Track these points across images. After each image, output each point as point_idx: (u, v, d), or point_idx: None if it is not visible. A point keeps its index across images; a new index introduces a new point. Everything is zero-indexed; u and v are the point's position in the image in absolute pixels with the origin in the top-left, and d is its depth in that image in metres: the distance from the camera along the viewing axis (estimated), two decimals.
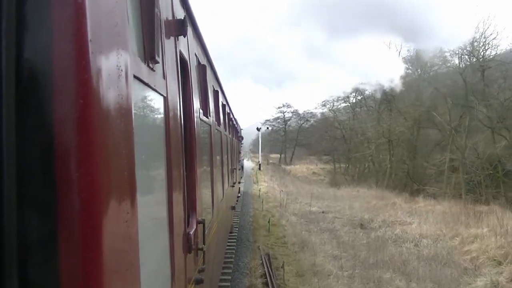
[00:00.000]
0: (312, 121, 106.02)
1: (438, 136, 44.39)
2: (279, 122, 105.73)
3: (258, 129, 59.53)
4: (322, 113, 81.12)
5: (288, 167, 68.42)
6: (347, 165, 63.93)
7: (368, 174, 57.28)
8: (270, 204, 24.29)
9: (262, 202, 22.57)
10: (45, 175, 1.13)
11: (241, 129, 23.93)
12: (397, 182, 45.24)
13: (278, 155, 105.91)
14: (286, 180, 47.76)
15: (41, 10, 1.14)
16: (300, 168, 70.01)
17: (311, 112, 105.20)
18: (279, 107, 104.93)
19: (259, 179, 41.30)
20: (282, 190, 31.67)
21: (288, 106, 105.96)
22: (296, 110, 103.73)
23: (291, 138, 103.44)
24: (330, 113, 71.11)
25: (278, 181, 40.59)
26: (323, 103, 73.69)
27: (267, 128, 70.57)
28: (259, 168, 58.88)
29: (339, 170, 67.34)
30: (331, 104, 71.42)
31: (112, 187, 1.28)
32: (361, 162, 58.73)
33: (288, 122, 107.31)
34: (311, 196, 29.92)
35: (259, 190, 28.97)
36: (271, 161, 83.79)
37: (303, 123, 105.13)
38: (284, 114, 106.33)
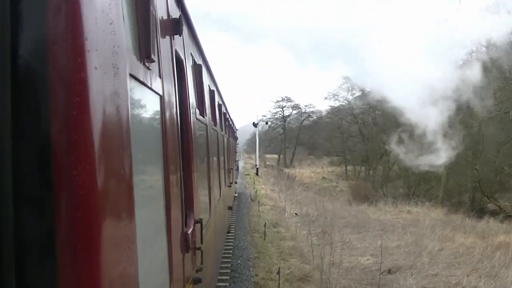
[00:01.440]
0: (315, 117, 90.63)
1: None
2: (277, 118, 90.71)
3: (254, 125, 47.43)
4: (332, 106, 67.02)
5: (291, 171, 54.89)
6: (368, 169, 50.30)
7: (393, 180, 43.71)
8: (292, 264, 12.95)
9: (278, 273, 8.17)
10: (42, 173, 1.18)
11: (236, 130, 23.27)
12: (449, 194, 31.69)
13: (276, 156, 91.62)
14: (295, 191, 33.73)
15: (36, 8, 1.18)
16: (306, 172, 56.41)
17: (314, 107, 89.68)
18: (277, 101, 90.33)
19: (259, 192, 31.56)
20: (296, 214, 22.41)
21: (288, 100, 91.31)
22: (298, 104, 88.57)
23: (291, 137, 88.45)
24: (343, 105, 57.14)
25: (284, 194, 31.71)
26: (335, 91, 59.83)
27: (266, 123, 57.03)
28: (257, 173, 50.45)
29: (354, 174, 53.63)
30: (347, 92, 57.56)
31: (109, 186, 1.34)
32: (379, 164, 45.23)
33: (288, 119, 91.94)
34: (346, 226, 20.77)
35: (264, 221, 18.21)
36: (268, 162, 77.37)
37: (304, 119, 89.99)
38: (283, 109, 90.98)
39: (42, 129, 1.17)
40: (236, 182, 22.21)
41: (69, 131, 1.18)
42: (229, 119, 15.29)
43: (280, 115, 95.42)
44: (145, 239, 1.89)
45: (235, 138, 23.01)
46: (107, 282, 1.26)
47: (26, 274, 1.16)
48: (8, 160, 1.15)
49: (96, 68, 1.25)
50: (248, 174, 51.05)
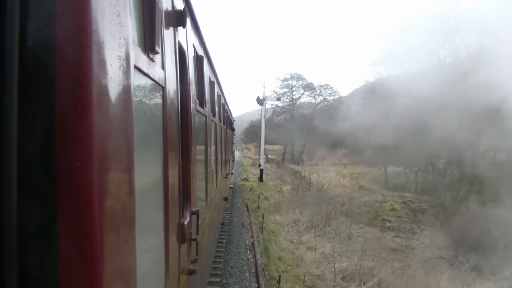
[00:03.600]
0: (331, 100, 70.54)
1: None
2: (284, 101, 68.60)
3: (259, 102, 33.83)
4: (368, 82, 47.52)
5: (307, 172, 35.12)
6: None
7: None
8: None
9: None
10: (46, 165, 1.20)
11: (234, 120, 22.43)
12: None
13: (277, 147, 70.64)
14: (342, 227, 20.70)
15: (45, 0, 1.21)
16: (333, 176, 36.75)
17: (332, 88, 69.62)
18: (284, 80, 68.75)
19: (279, 247, 13.66)
20: None
21: (299, 78, 69.75)
22: (311, 83, 67.24)
23: (299, 126, 67.55)
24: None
25: (329, 240, 15.69)
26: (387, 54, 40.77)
27: (278, 99, 37.40)
28: (260, 179, 32.20)
29: (406, 181, 33.77)
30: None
31: (112, 177, 1.37)
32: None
33: (297, 102, 71.38)
34: None
35: None
36: (270, 155, 60.83)
37: (319, 103, 69.25)
38: (293, 89, 69.40)
39: (47, 121, 1.19)
40: (232, 173, 20.70)
41: (74, 122, 1.20)
42: (228, 110, 14.78)
43: (288, 98, 74.50)
44: (143, 230, 1.91)
45: (233, 129, 21.16)
46: (107, 273, 1.29)
47: (28, 265, 1.18)
48: (13, 151, 1.16)
49: (102, 60, 1.28)
50: (246, 179, 31.22)
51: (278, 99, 39.72)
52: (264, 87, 32.81)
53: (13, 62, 1.14)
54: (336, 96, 72.62)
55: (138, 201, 1.65)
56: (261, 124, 33.13)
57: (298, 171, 41.43)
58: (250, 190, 25.90)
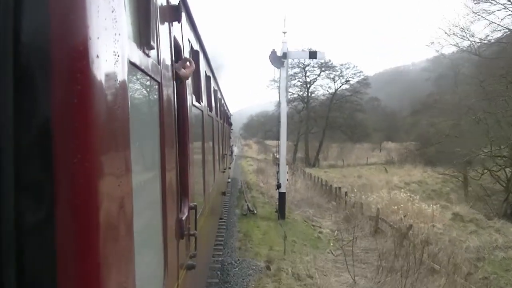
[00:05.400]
0: (356, 83, 52.84)
1: None
2: (295, 85, 52.02)
3: (276, 61, 15.89)
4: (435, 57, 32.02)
5: (350, 187, 17.27)
6: None
7: None
8: None
9: None
10: (42, 159, 1.21)
11: (231, 115, 21.38)
12: None
13: (288, 144, 50.74)
14: None
15: None
16: (401, 196, 17.66)
17: (356, 67, 51.99)
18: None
19: None
20: None
21: (314, 55, 48.73)
22: (329, 62, 49.72)
23: (315, 116, 50.24)
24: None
25: None
26: None
27: (312, 55, 19.93)
28: (282, 214, 15.72)
29: None
30: None
31: (108, 172, 1.37)
32: None
33: (311, 87, 54.65)
34: None
35: None
36: (276, 155, 37.22)
37: (340, 86, 52.35)
38: (306, 69, 51.93)
39: (43, 116, 1.20)
40: (230, 168, 20.66)
41: (70, 118, 1.20)
42: (224, 104, 14.57)
43: (301, 80, 58.08)
44: (141, 225, 1.92)
45: (230, 124, 20.22)
46: (105, 268, 1.29)
47: (25, 260, 1.19)
48: (9, 147, 1.17)
49: (97, 56, 1.27)
50: (252, 211, 15.19)
51: (312, 55, 21.21)
52: (284, 32, 17.11)
53: (8, 58, 1.15)
54: (361, 77, 56.38)
55: (136, 197, 1.66)
56: (280, 105, 16.83)
57: (336, 187, 25.29)
58: (268, 268, 10.21)
